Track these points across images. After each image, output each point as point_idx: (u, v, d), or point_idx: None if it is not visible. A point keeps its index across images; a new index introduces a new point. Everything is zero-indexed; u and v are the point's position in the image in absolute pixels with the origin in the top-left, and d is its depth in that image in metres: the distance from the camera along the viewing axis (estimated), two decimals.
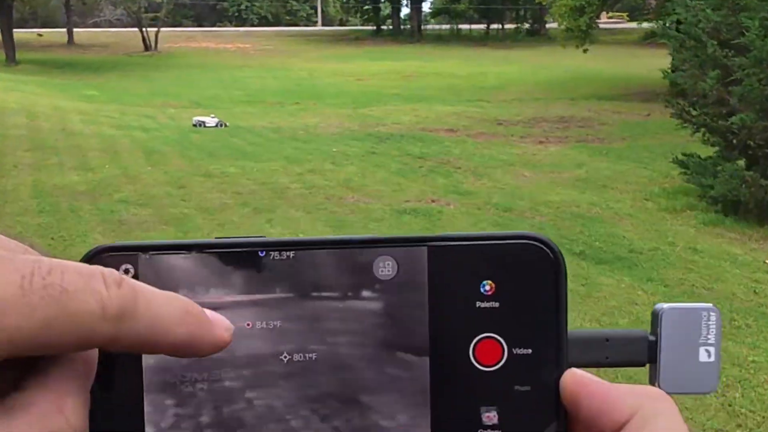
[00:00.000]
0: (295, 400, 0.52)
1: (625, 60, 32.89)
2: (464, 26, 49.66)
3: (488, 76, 29.56)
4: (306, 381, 0.52)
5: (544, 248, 0.53)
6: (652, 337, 0.56)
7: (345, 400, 0.52)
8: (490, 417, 0.52)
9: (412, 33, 47.42)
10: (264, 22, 68.68)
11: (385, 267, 0.53)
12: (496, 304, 0.53)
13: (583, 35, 27.68)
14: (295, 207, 10.10)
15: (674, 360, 0.56)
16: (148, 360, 0.51)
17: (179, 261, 0.52)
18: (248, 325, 0.52)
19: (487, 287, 0.53)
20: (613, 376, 3.25)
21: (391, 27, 50.05)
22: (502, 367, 0.52)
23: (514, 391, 0.52)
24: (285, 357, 0.52)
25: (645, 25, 32.14)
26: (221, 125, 18.30)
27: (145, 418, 0.52)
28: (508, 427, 0.52)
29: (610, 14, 45.80)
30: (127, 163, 13.03)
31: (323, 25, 68.81)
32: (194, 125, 18.39)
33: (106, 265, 0.45)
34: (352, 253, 0.53)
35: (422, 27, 48.60)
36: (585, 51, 28.19)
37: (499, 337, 0.52)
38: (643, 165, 13.10)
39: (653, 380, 0.56)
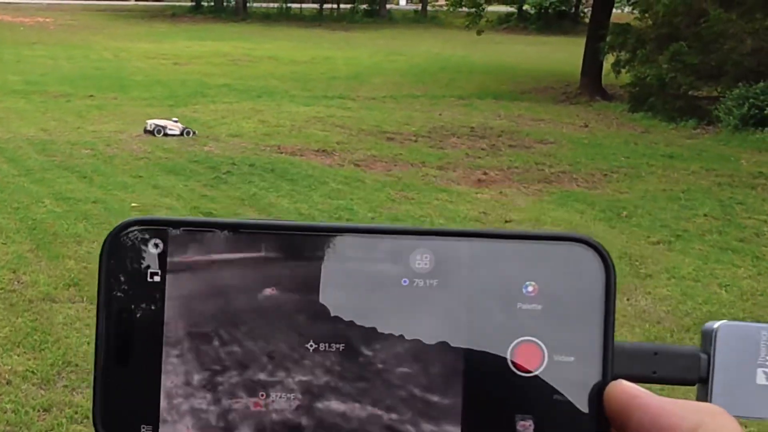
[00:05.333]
0: (322, 394, 0.48)
1: (487, 47, 26.47)
2: (294, 5, 42.13)
3: (336, 62, 22.49)
4: (332, 374, 0.48)
5: (593, 252, 0.48)
6: (704, 355, 0.50)
7: (370, 396, 0.48)
8: (525, 425, 0.47)
9: (236, 10, 39.54)
10: None
11: (422, 260, 0.48)
12: (539, 307, 0.48)
13: (477, 17, 20.91)
14: None
15: (729, 380, 0.49)
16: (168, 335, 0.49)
17: (209, 239, 0.49)
18: (290, 318, 0.48)
19: (530, 288, 0.48)
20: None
21: (212, 3, 41.83)
22: (541, 373, 0.48)
23: (553, 401, 0.47)
24: (311, 346, 0.48)
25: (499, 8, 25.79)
26: (187, 134, 11.13)
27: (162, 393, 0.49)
28: None
29: None
30: None
31: (137, 0, 59.54)
32: (148, 132, 11.27)
33: (135, 239, 0.49)
34: (388, 243, 0.48)
35: (247, 4, 40.75)
36: (479, 33, 21.48)
37: (540, 342, 0.48)
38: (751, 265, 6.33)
39: (704, 401, 0.49)
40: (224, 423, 0.48)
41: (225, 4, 41.28)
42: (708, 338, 0.50)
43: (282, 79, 18.46)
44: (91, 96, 15.14)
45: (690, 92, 14.04)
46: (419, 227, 0.49)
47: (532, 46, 28.12)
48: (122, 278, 0.50)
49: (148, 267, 0.49)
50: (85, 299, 5.06)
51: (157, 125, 11.22)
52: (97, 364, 0.49)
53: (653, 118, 13.55)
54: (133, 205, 7.35)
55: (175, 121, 11.40)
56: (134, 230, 0.49)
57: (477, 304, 0.48)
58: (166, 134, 11.06)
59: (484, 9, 20.80)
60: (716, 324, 0.50)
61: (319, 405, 0.48)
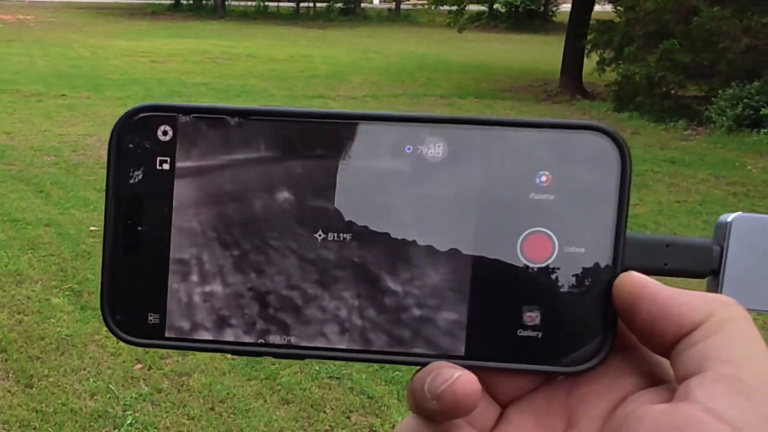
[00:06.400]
0: (327, 281, 0.45)
1: (460, 45, 25.10)
2: (271, 3, 40.43)
3: (313, 60, 20.99)
4: (339, 262, 0.45)
5: (610, 140, 0.45)
6: (716, 247, 0.47)
7: (378, 285, 0.45)
8: (532, 317, 0.44)
9: (214, 8, 37.79)
10: None
11: (435, 148, 0.45)
12: (551, 197, 0.44)
13: (459, 14, 19.56)
14: None
15: (741, 273, 0.46)
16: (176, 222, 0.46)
17: (220, 130, 0.46)
18: (298, 205, 0.45)
19: (543, 178, 0.44)
20: None
21: (191, 1, 40.00)
22: (550, 264, 0.44)
23: (561, 292, 0.44)
24: (320, 236, 0.45)
25: (471, 6, 24.47)
26: None
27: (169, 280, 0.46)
28: (550, 330, 0.44)
29: None
30: None
31: None
32: None
33: (145, 125, 0.46)
34: (400, 131, 0.45)
35: (225, 2, 39.00)
36: (461, 31, 20.07)
37: (550, 233, 0.44)
38: None
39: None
40: (225, 315, 0.45)
41: (204, 2, 39.55)
42: (722, 231, 0.46)
43: (261, 78, 16.97)
44: (63, 95, 13.60)
45: (677, 92, 12.72)
46: (431, 115, 0.45)
47: (505, 44, 26.77)
48: (131, 165, 0.46)
49: (157, 154, 0.46)
50: (10, 375, 3.64)
51: None
52: (106, 253, 0.46)
53: (641, 118, 12.21)
54: (91, 229, 5.93)
55: None
56: (143, 116, 0.46)
57: (488, 194, 0.44)
58: None
59: (465, 7, 19.47)
60: (731, 216, 0.46)
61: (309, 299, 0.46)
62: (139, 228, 0.46)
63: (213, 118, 0.45)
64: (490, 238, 0.44)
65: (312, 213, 0.45)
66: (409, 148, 0.45)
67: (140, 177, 0.46)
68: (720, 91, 11.46)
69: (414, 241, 0.44)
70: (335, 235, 0.45)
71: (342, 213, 0.45)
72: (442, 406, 0.40)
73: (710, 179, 8.39)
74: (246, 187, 0.45)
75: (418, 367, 0.44)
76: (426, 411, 0.41)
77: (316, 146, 0.45)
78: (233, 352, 0.46)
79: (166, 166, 0.46)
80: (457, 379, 0.40)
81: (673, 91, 12.68)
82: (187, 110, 0.46)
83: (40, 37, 25.39)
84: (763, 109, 10.95)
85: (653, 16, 12.36)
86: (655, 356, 0.43)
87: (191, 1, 39.81)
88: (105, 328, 2.79)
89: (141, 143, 0.46)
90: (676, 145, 10.51)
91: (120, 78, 16.16)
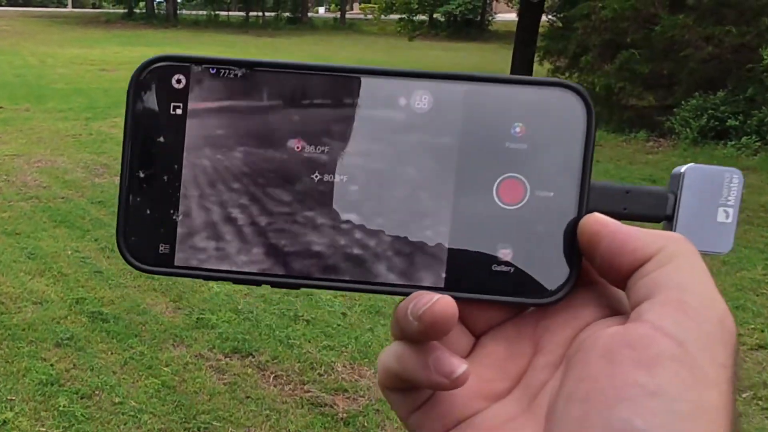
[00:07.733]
0: (321, 217, 0.45)
1: (404, 52, 23.58)
2: (222, 12, 38.21)
3: None
4: (333, 200, 0.45)
5: (577, 97, 0.45)
6: (671, 195, 0.47)
7: (369, 221, 0.45)
8: (506, 254, 0.45)
9: (167, 17, 35.47)
10: (12, 1, 53.00)
11: (422, 101, 0.45)
12: (525, 146, 0.45)
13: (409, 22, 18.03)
14: None
15: (692, 217, 0.47)
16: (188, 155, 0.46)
17: (227, 75, 0.46)
18: (297, 147, 0.45)
19: (518, 129, 0.45)
20: None
21: (144, 10, 37.53)
22: (522, 206, 0.45)
23: (532, 232, 0.45)
24: (316, 176, 0.46)
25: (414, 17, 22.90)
26: None
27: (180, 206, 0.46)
28: (522, 266, 0.46)
29: (362, 6, 36.59)
30: None
31: (74, 7, 53.79)
32: None
33: (159, 75, 0.46)
34: (390, 84, 0.45)
35: (178, 11, 36.69)
36: (411, 39, 18.51)
37: (523, 178, 0.45)
38: None
39: None
40: (228, 246, 0.46)
41: (156, 11, 37.16)
42: (676, 180, 0.47)
43: None
44: (1, 107, 11.60)
45: (635, 102, 11.26)
46: (418, 70, 0.45)
47: (446, 51, 25.20)
48: (146, 111, 0.46)
49: (171, 100, 0.46)
50: None
51: None
52: (122, 187, 0.46)
53: (599, 129, 10.73)
54: None
55: None
56: (160, 66, 0.46)
57: (469, 142, 0.45)
58: None
59: (415, 15, 17.90)
60: (684, 168, 0.47)
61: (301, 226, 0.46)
62: (153, 166, 0.45)
63: (222, 68, 0.45)
64: (469, 183, 0.45)
65: (310, 156, 0.45)
66: (400, 100, 0.45)
67: (155, 120, 0.46)
68: (683, 102, 10.03)
69: (402, 183, 0.45)
70: (331, 176, 0.45)
71: (338, 156, 0.45)
72: (423, 326, 0.41)
73: None
74: (251, 131, 0.45)
75: (401, 298, 0.44)
76: (408, 333, 0.42)
77: (318, 96, 0.45)
78: (235, 281, 0.46)
79: (179, 111, 0.46)
80: (436, 301, 0.41)
81: (635, 102, 11.24)
82: (199, 61, 0.46)
83: None
84: (729, 120, 9.56)
85: (610, 24, 10.88)
86: (615, 290, 0.44)
87: (144, 10, 37.36)
88: None
89: (156, 90, 0.46)
90: (644, 158, 9.06)
91: (64, 88, 14.11)
